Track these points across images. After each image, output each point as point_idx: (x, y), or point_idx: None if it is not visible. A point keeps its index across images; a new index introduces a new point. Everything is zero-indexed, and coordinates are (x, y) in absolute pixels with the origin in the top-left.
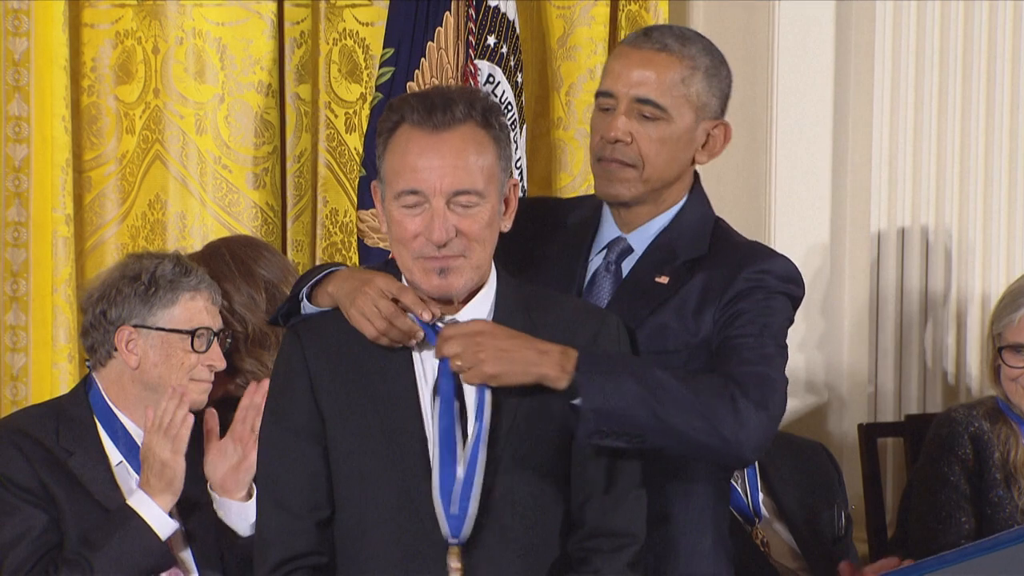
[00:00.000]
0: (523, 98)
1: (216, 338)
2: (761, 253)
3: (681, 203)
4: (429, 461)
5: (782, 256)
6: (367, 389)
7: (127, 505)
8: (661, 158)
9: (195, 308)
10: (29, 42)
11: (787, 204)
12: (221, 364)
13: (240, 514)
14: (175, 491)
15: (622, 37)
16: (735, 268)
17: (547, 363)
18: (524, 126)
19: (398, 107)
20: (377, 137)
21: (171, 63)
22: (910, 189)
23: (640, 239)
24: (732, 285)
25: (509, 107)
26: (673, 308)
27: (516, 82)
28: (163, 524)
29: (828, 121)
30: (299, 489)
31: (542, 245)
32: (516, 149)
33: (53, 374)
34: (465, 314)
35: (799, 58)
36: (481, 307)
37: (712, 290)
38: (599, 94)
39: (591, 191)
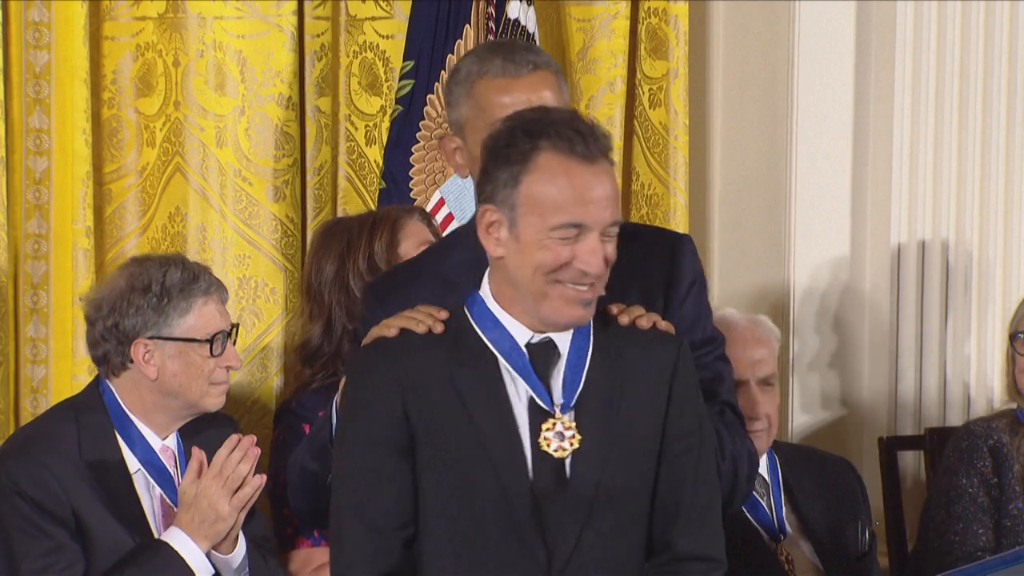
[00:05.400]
0: None
1: (229, 337)
2: (666, 240)
3: None
4: (528, 476)
5: (686, 237)
6: (462, 404)
7: (168, 545)
8: None
9: (209, 313)
10: (50, 55)
11: (807, 218)
12: (238, 363)
13: (224, 563)
14: (218, 540)
15: (642, 50)
16: (662, 263)
17: None
18: None
19: (529, 132)
20: (495, 162)
21: (191, 76)
22: (930, 202)
23: None
24: (673, 283)
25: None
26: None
27: None
28: (203, 568)
29: (848, 134)
30: (388, 507)
31: (433, 301)
32: None
33: (73, 386)
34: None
35: (819, 72)
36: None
37: (651, 293)
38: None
39: None
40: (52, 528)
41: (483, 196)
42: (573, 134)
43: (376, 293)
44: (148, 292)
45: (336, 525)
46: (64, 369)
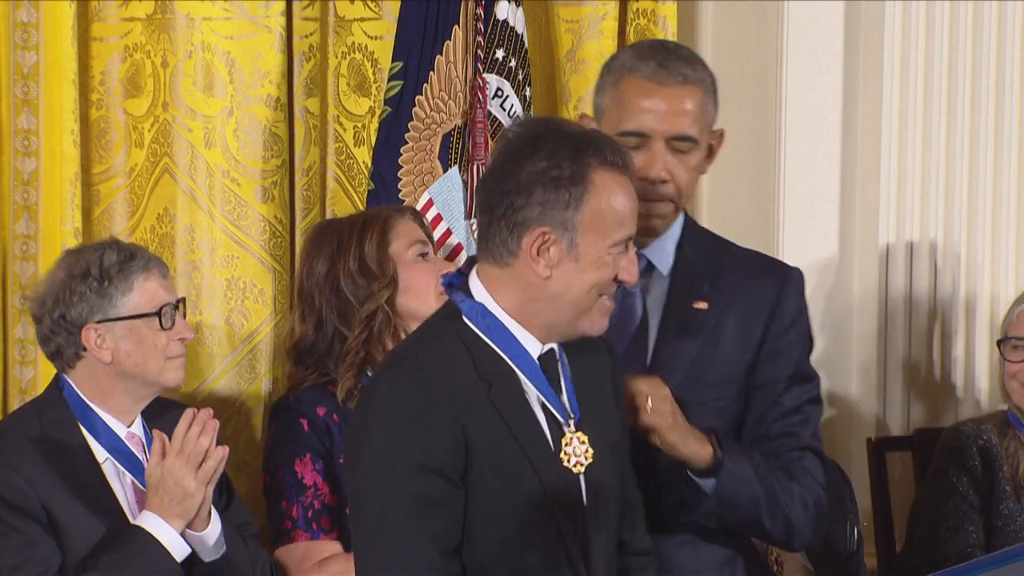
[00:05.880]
0: (531, 112)
1: (177, 310)
2: (777, 270)
3: (681, 214)
4: (566, 491)
5: (796, 270)
6: (500, 418)
7: (142, 529)
8: (692, 185)
9: (151, 288)
10: (38, 56)
11: (796, 218)
12: (191, 335)
13: (199, 541)
14: (189, 517)
15: None
16: (769, 292)
17: (699, 445)
18: None
19: (575, 150)
20: (539, 183)
21: (180, 77)
22: (919, 203)
23: (659, 256)
24: (776, 315)
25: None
26: (718, 336)
27: (524, 96)
28: (179, 548)
29: (837, 135)
30: (446, 531)
31: None
32: None
33: None
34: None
35: (808, 71)
36: None
37: (751, 318)
38: (627, 133)
39: None
40: (23, 524)
41: (526, 219)
42: (614, 146)
43: None
44: (88, 277)
45: (383, 548)
46: (52, 370)
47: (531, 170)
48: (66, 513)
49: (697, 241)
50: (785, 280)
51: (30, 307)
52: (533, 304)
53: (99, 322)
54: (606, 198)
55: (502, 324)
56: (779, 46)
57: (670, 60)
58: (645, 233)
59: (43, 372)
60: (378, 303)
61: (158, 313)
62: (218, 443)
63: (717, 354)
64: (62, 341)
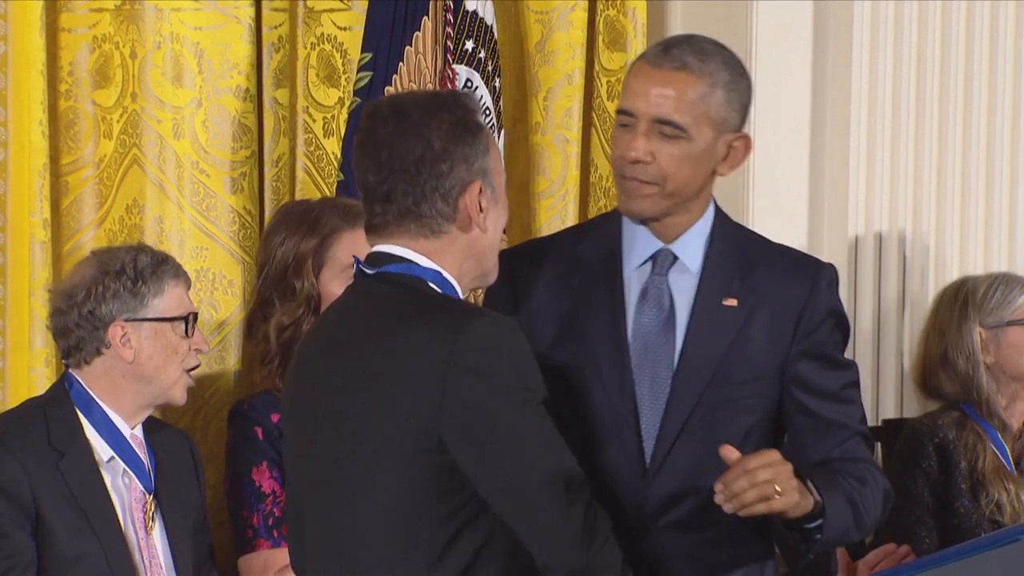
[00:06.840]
0: (501, 103)
1: (196, 322)
2: (809, 266)
3: (712, 209)
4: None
5: (829, 266)
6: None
7: None
8: (682, 175)
9: (179, 294)
10: (6, 46)
11: (764, 210)
12: (207, 347)
13: None
14: None
15: (600, 42)
16: (800, 289)
17: (805, 499)
18: (502, 131)
19: (461, 106)
20: (457, 144)
21: (149, 67)
22: (887, 195)
23: (685, 250)
24: (807, 312)
25: (487, 112)
26: (748, 334)
27: (494, 87)
28: None
29: (805, 127)
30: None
31: (561, 279)
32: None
33: (30, 378)
34: None
35: (776, 64)
36: None
37: (782, 316)
38: (619, 111)
39: (568, 196)
40: (11, 516)
41: (459, 180)
42: (462, 92)
43: (503, 264)
44: (123, 275)
45: (547, 446)
46: (21, 361)
47: (441, 134)
48: (55, 513)
49: (727, 236)
50: (817, 277)
51: (54, 300)
52: (468, 262)
53: (127, 320)
54: (492, 135)
55: (454, 287)
56: (748, 40)
57: (678, 47)
58: (629, 214)
59: (11, 364)
60: (293, 318)
61: (185, 319)
62: (187, 433)
63: (746, 352)
64: (85, 335)
